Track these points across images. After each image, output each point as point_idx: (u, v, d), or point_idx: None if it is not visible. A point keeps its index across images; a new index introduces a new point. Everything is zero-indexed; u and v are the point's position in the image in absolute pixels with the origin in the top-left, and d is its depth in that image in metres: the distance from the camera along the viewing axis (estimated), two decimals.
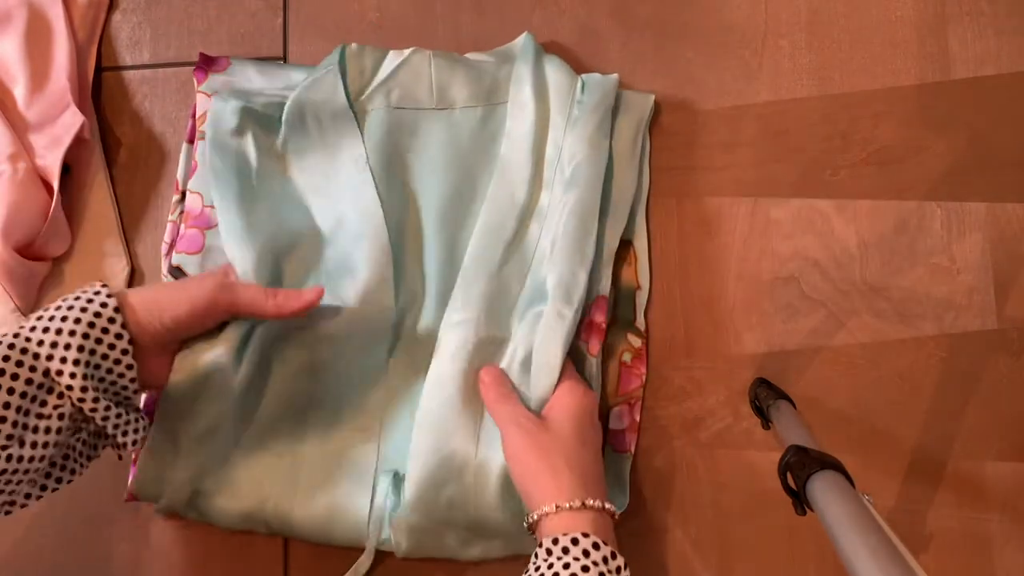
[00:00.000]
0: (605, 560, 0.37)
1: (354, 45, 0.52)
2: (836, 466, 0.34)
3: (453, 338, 0.47)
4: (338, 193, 0.51)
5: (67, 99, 0.53)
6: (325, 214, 0.51)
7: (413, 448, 0.46)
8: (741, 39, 0.53)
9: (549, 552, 0.38)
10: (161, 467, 0.47)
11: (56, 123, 0.53)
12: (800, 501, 0.35)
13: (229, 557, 0.51)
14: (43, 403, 0.38)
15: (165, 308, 0.41)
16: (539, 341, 0.45)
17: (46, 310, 0.39)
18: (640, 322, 0.50)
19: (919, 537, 0.48)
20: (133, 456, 0.50)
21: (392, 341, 0.50)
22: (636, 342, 0.50)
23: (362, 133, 0.51)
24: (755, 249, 0.51)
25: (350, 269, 0.49)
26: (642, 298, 0.50)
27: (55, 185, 0.52)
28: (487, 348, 0.47)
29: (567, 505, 0.40)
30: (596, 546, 0.38)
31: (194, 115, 0.54)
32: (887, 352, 0.49)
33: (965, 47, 0.51)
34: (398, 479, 0.48)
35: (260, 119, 0.51)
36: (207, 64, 0.54)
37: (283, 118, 0.51)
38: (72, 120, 0.53)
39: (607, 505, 0.41)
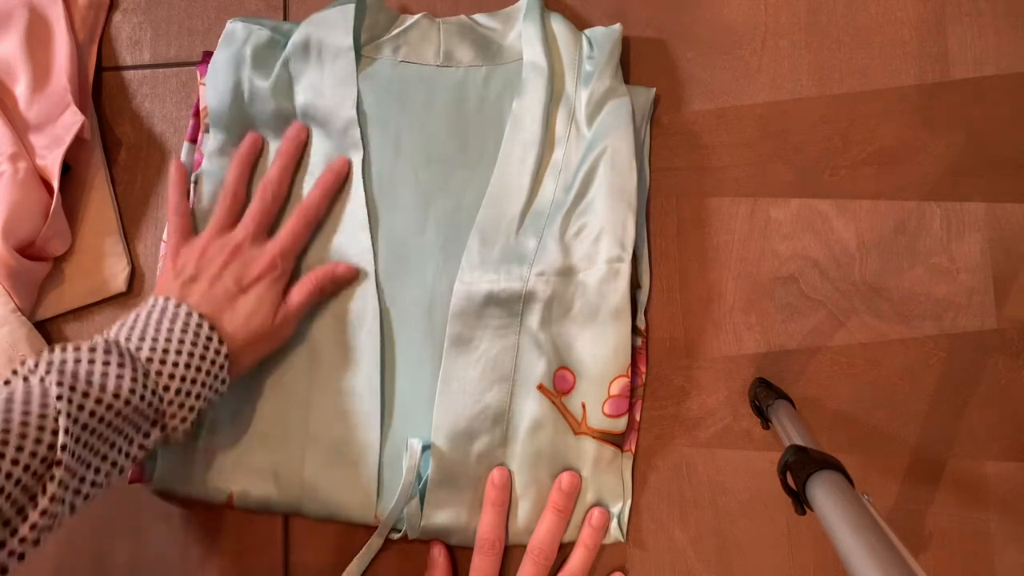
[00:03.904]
0: None
1: None
2: (836, 466, 0.34)
3: (474, 297, 0.48)
4: (325, 133, 0.52)
5: (67, 99, 0.53)
6: (311, 150, 0.53)
7: (441, 405, 0.48)
8: (741, 39, 0.53)
9: None
10: None
11: (56, 123, 0.53)
12: (800, 501, 0.35)
13: (229, 557, 0.51)
14: (147, 435, 0.41)
15: (255, 354, 0.47)
16: (598, 293, 0.48)
17: (171, 353, 0.42)
18: (640, 321, 0.50)
19: (919, 537, 0.48)
20: None
21: (386, 301, 0.51)
22: (636, 341, 0.50)
23: (361, 79, 0.52)
24: (755, 249, 0.51)
25: (327, 215, 0.52)
26: (642, 298, 0.50)
27: (55, 185, 0.52)
28: (511, 305, 0.48)
29: None
30: None
31: (196, 113, 0.54)
32: (887, 352, 0.49)
33: (965, 47, 0.51)
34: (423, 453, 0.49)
35: (269, 42, 0.53)
36: (210, 59, 0.54)
37: (289, 42, 0.52)
38: (72, 120, 0.53)
39: None
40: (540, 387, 0.48)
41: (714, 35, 0.53)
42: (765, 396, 0.47)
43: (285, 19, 0.57)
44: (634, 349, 0.49)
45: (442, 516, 0.48)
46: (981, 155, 0.50)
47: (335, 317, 0.50)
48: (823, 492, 0.33)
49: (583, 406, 0.48)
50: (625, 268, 0.48)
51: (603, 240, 0.48)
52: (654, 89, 0.52)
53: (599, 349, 0.48)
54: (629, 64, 0.53)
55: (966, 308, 0.49)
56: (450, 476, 0.48)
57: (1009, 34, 0.51)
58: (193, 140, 0.54)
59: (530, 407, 0.48)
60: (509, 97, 0.52)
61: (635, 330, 0.50)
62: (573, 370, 0.48)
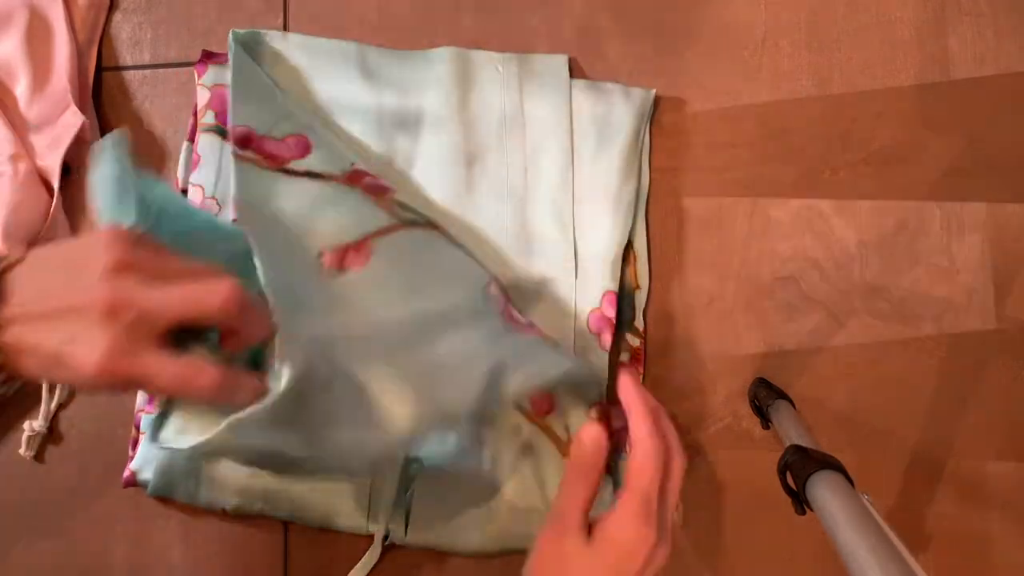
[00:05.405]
0: None
1: None
2: (836, 466, 0.34)
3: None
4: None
5: (68, 99, 0.53)
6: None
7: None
8: (741, 39, 0.53)
9: None
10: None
11: (57, 123, 0.53)
12: (800, 501, 0.35)
13: (230, 557, 0.51)
14: None
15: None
16: (585, 311, 0.48)
17: None
18: (639, 322, 0.50)
19: (919, 537, 0.48)
20: (133, 434, 0.51)
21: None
22: (635, 342, 0.50)
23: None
24: (755, 249, 0.51)
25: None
26: (641, 298, 0.50)
27: (55, 185, 0.52)
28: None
29: None
30: None
31: (195, 112, 0.54)
32: (887, 352, 0.49)
33: (965, 47, 0.51)
34: (409, 463, 0.48)
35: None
36: (208, 58, 0.54)
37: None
38: (73, 120, 0.53)
39: None
40: (521, 409, 0.47)
41: (714, 35, 0.53)
42: (765, 396, 0.47)
43: (285, 18, 0.57)
44: (632, 350, 0.49)
45: (427, 529, 0.47)
46: (981, 155, 0.50)
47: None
48: (823, 492, 0.33)
49: (566, 429, 0.47)
50: (613, 272, 0.48)
51: (602, 241, 0.48)
52: (654, 90, 0.52)
53: (580, 371, 0.47)
54: (629, 64, 0.53)
55: (966, 308, 0.49)
56: (434, 489, 0.47)
57: (1009, 34, 0.51)
58: (192, 139, 0.54)
59: (512, 426, 0.47)
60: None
61: (633, 331, 0.50)
62: (553, 392, 0.47)
